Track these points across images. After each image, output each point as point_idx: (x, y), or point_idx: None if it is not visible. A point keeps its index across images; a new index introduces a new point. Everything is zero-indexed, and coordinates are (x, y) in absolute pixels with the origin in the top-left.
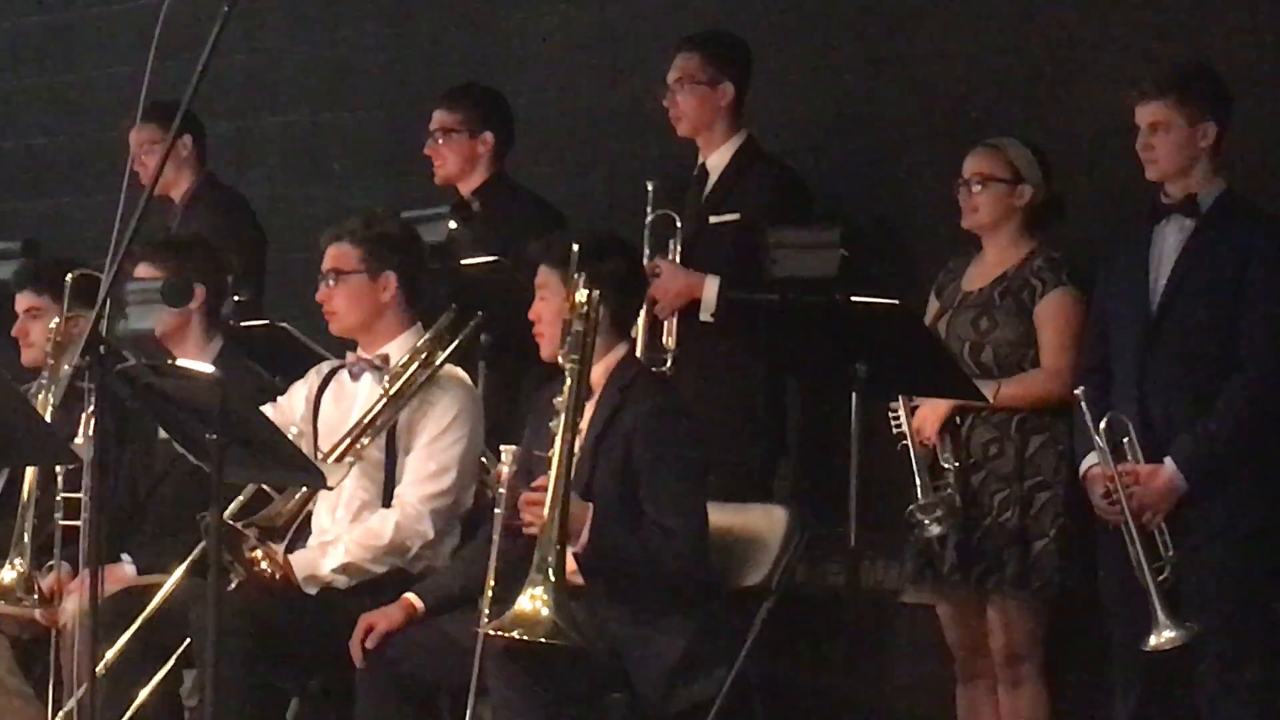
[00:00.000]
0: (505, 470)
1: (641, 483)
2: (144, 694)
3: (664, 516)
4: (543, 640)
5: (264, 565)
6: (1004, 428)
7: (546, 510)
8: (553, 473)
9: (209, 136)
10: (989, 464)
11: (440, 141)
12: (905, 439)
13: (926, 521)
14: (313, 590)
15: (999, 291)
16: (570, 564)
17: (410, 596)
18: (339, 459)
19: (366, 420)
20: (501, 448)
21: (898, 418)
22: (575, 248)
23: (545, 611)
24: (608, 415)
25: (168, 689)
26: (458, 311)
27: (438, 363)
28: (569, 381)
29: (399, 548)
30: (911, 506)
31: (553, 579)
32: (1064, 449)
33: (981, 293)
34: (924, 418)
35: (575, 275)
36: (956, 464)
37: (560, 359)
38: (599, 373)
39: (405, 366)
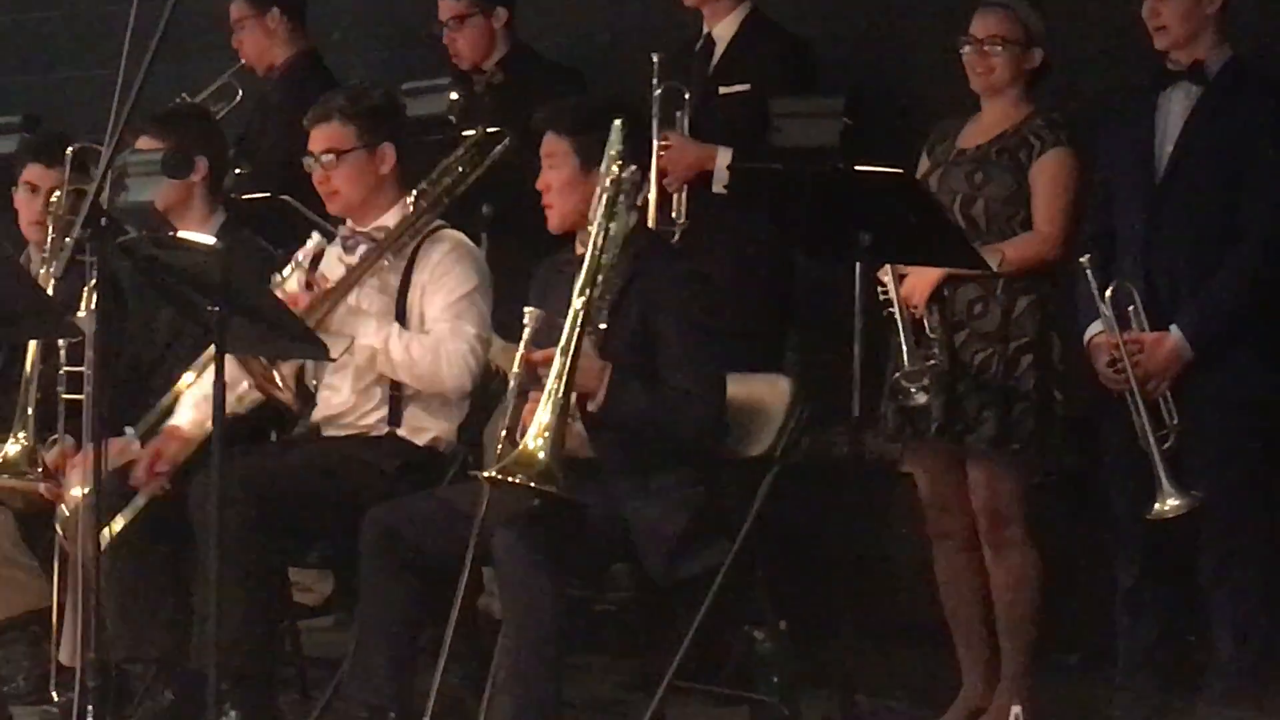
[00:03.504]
0: (528, 331)
1: (660, 349)
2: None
3: (683, 381)
4: (533, 485)
5: (282, 395)
6: (989, 287)
7: (557, 361)
8: (568, 325)
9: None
10: (973, 323)
11: (456, 30)
12: (892, 306)
13: (913, 390)
14: (336, 349)
15: (996, 149)
16: (577, 437)
17: None
18: (329, 310)
19: (354, 272)
20: (525, 309)
21: (885, 286)
22: (617, 123)
23: (542, 455)
24: (623, 284)
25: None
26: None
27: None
28: (596, 239)
29: (437, 368)
30: (897, 374)
31: (556, 425)
32: (1050, 311)
33: (979, 149)
34: (913, 286)
35: (616, 148)
36: (943, 336)
37: (595, 218)
38: None
39: (399, 225)
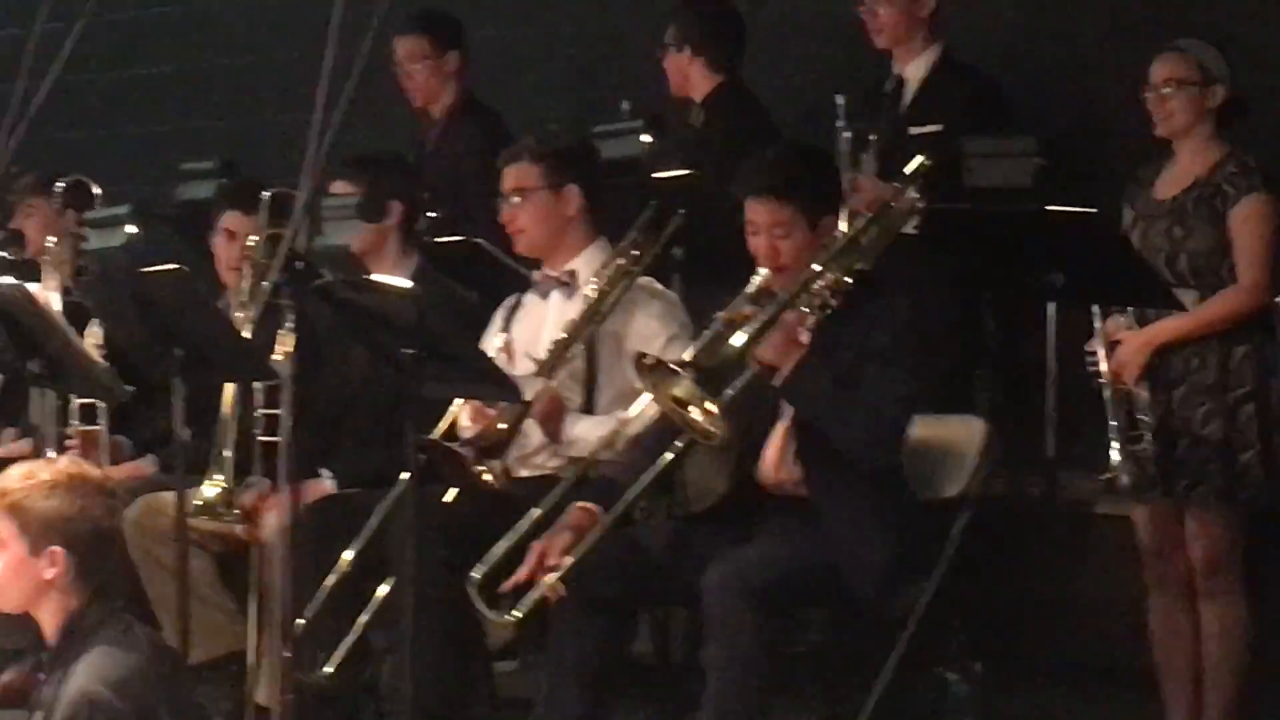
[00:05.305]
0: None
1: (865, 372)
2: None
3: (867, 395)
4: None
5: (488, 479)
6: (1205, 340)
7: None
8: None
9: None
10: (1191, 377)
11: (664, 58)
12: (1101, 378)
13: (1123, 479)
14: (567, 451)
15: (1192, 199)
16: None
17: (583, 505)
18: (549, 374)
19: (570, 333)
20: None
21: (1094, 356)
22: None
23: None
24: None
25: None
26: (653, 219)
27: (638, 269)
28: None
29: None
30: (1106, 475)
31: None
32: (1268, 359)
33: (1174, 200)
34: (1124, 361)
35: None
36: (1155, 419)
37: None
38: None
39: (605, 278)
